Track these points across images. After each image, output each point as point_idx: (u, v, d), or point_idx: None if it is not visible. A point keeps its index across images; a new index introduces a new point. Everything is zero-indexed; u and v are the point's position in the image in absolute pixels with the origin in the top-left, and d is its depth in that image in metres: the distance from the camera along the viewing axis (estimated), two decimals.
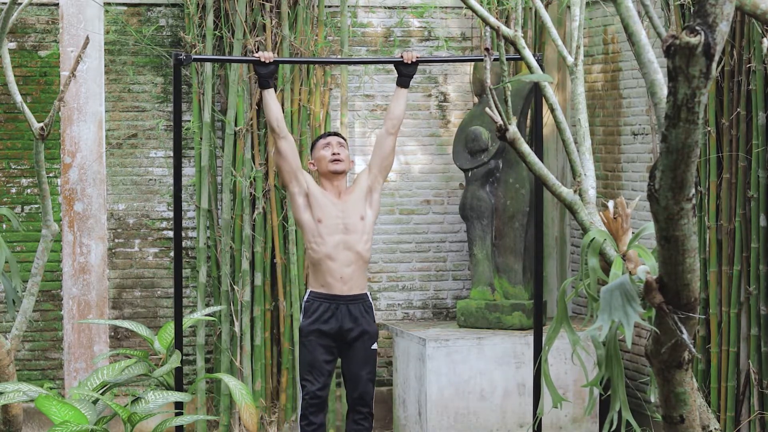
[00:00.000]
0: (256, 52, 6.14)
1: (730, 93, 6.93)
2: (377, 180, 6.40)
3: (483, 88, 8.36)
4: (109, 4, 8.25)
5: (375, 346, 6.28)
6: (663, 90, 3.25)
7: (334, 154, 6.28)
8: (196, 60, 6.75)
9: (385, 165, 6.42)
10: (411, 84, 6.56)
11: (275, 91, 6.32)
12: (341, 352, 6.29)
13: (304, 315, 6.26)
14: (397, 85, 6.45)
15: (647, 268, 3.34)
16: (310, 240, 6.23)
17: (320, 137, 6.46)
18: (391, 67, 8.73)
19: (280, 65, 7.98)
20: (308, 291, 6.33)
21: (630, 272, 3.34)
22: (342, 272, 6.19)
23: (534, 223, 6.54)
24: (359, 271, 6.24)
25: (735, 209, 6.93)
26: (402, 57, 6.37)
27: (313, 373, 6.17)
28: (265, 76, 6.18)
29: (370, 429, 6.31)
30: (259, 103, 8.28)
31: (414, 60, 6.32)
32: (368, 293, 6.38)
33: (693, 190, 2.94)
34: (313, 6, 8.36)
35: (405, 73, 6.37)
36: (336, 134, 6.46)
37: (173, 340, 6.15)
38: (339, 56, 8.40)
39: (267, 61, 6.13)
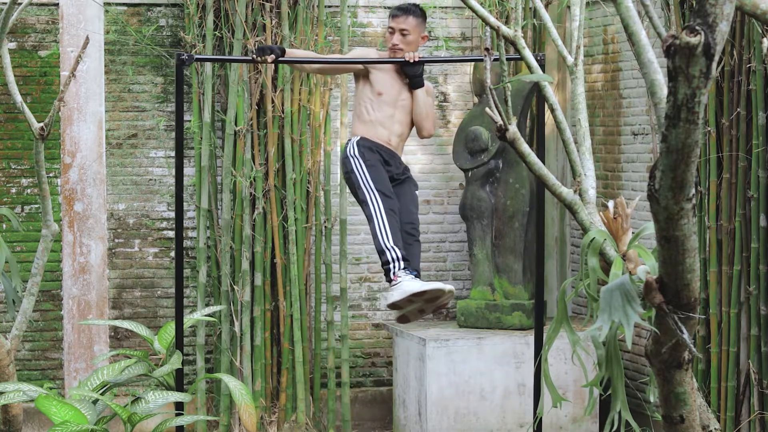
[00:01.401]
0: (255, 54, 6.10)
1: (730, 93, 6.93)
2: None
3: (483, 88, 8.36)
4: (109, 4, 8.25)
5: (417, 192, 6.32)
6: (663, 90, 3.25)
7: (393, 45, 6.28)
8: (198, 60, 6.75)
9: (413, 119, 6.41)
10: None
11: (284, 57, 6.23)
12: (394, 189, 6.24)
13: (360, 147, 6.14)
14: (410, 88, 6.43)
15: (647, 268, 3.34)
16: (365, 102, 6.24)
17: (392, 10, 6.32)
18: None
19: (280, 65, 7.98)
20: (356, 137, 6.23)
21: (630, 272, 3.34)
22: (389, 138, 6.23)
23: (534, 223, 6.54)
24: (402, 144, 6.29)
25: (735, 209, 6.93)
26: (404, 57, 6.35)
27: (388, 190, 6.02)
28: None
29: (420, 250, 6.19)
30: (259, 104, 8.28)
31: (416, 59, 6.31)
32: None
33: (693, 190, 2.94)
34: (313, 6, 8.36)
35: (411, 73, 6.35)
36: (405, 13, 6.25)
37: (173, 340, 6.15)
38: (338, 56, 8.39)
39: (268, 62, 6.12)
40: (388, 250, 5.85)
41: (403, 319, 5.99)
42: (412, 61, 6.31)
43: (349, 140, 6.26)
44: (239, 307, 8.26)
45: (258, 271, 8.24)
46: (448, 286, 5.77)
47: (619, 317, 3.20)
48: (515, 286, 8.25)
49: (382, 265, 5.89)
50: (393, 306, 5.77)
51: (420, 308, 5.86)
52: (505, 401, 7.92)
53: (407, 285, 5.73)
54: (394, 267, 5.81)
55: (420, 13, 6.31)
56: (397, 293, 5.74)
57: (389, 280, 5.86)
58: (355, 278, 8.75)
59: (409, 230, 6.14)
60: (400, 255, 5.82)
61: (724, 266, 6.99)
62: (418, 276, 5.89)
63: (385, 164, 6.18)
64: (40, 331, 8.34)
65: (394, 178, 6.22)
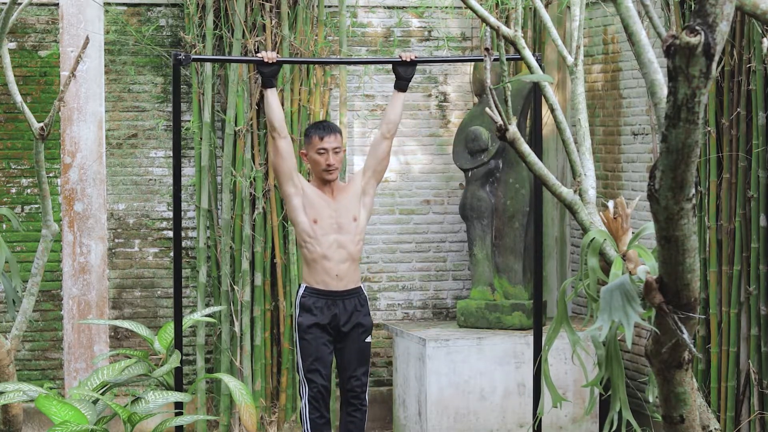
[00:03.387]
0: (258, 53, 6.13)
1: (730, 93, 6.93)
2: (370, 183, 6.44)
3: (483, 88, 8.36)
4: (109, 4, 8.25)
5: (369, 339, 6.34)
6: (663, 90, 3.25)
7: (329, 165, 6.31)
8: (195, 60, 6.75)
9: (380, 168, 6.47)
10: (411, 84, 6.57)
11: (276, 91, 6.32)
12: (335, 344, 6.34)
13: (301, 310, 6.30)
14: (395, 88, 6.45)
15: (647, 268, 3.34)
16: (305, 240, 6.29)
17: (316, 130, 6.40)
18: (391, 66, 8.73)
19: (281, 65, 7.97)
20: (303, 286, 6.36)
21: (630, 272, 3.34)
22: (338, 269, 6.26)
23: (534, 223, 6.54)
24: (353, 267, 6.34)
25: (735, 209, 6.93)
26: (400, 57, 6.37)
27: (319, 367, 6.21)
28: (268, 75, 6.20)
29: (363, 421, 6.32)
30: (259, 103, 8.28)
31: (413, 59, 6.33)
32: (362, 287, 6.42)
33: (693, 190, 2.94)
34: (312, 6, 8.36)
35: (403, 75, 6.37)
36: (333, 132, 6.41)
37: (173, 340, 6.15)
38: (338, 56, 8.40)
39: (270, 62, 6.14)
40: None
41: None
42: (408, 59, 6.31)
43: (299, 286, 6.37)
44: (239, 307, 8.26)
45: (258, 271, 8.24)
46: None
47: (619, 317, 3.20)
48: (515, 286, 8.25)
49: None
50: None
51: None
52: (505, 401, 7.92)
53: None
54: None
55: (338, 127, 6.52)
56: None
57: None
58: None
59: (350, 398, 6.24)
60: None
61: (724, 266, 6.99)
62: None
63: (323, 318, 6.21)
64: (40, 331, 8.34)
65: (340, 330, 6.25)
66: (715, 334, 7.03)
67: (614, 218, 3.53)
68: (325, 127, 6.43)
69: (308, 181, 6.48)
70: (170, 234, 8.36)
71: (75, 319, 7.92)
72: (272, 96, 6.24)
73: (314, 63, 8.27)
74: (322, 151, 6.33)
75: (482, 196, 8.26)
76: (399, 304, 8.82)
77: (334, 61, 8.44)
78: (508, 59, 4.10)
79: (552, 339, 3.73)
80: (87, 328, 7.94)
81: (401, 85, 6.40)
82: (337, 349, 6.35)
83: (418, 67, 6.47)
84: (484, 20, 3.97)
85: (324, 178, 6.36)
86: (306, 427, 6.23)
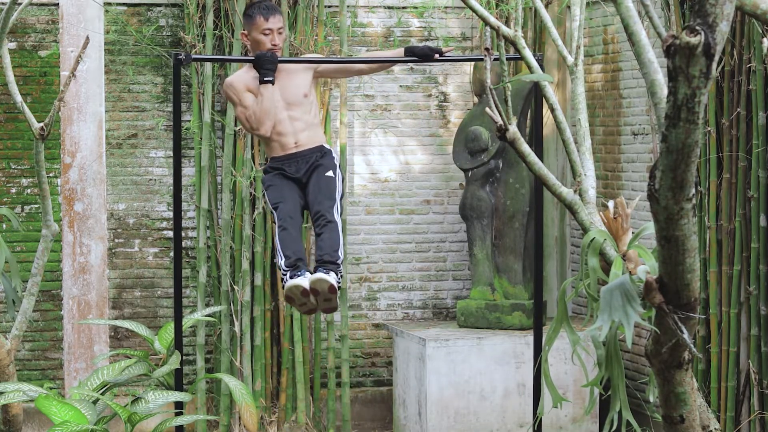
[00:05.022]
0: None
1: (730, 93, 6.93)
2: (317, 79, 6.35)
3: (483, 88, 8.36)
4: (109, 4, 8.25)
5: (331, 173, 6.17)
6: (663, 90, 3.25)
7: (274, 44, 6.19)
8: (195, 60, 6.74)
9: (332, 77, 6.41)
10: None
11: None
12: (302, 191, 6.21)
13: (265, 173, 6.21)
14: (405, 49, 6.27)
15: (647, 268, 3.34)
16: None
17: (259, 10, 6.16)
18: (392, 67, 8.73)
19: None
20: (269, 159, 6.29)
21: (630, 272, 3.34)
22: (296, 138, 6.16)
23: (534, 223, 6.54)
24: (311, 132, 6.19)
25: (735, 209, 6.93)
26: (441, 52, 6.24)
27: (286, 197, 6.07)
28: (268, 70, 6.12)
29: (335, 233, 6.07)
30: None
31: (435, 57, 6.22)
32: (325, 144, 6.27)
33: (693, 190, 2.94)
34: (313, 6, 8.36)
35: (421, 55, 6.21)
36: (277, 12, 6.19)
37: (173, 340, 6.15)
38: (342, 56, 8.39)
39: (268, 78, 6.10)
40: (280, 269, 5.99)
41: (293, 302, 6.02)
42: (438, 56, 6.21)
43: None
44: (239, 307, 8.26)
45: (258, 271, 8.24)
46: (325, 277, 5.76)
47: (619, 317, 3.20)
48: (515, 286, 8.25)
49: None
50: (286, 299, 5.90)
51: (310, 308, 5.90)
52: (505, 401, 7.92)
53: (287, 282, 5.84)
54: (284, 282, 5.92)
55: (279, 8, 6.32)
56: (285, 287, 5.85)
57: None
58: (355, 278, 8.75)
59: (317, 220, 6.12)
60: (285, 267, 5.93)
61: (724, 266, 6.99)
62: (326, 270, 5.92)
63: (286, 174, 6.16)
64: (40, 331, 8.34)
65: (301, 180, 6.20)
66: (715, 334, 7.03)
67: (614, 218, 3.54)
68: (269, 7, 6.21)
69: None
70: (170, 234, 8.36)
71: (75, 319, 7.92)
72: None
73: (321, 63, 8.24)
74: (267, 31, 6.19)
75: (482, 196, 8.26)
76: (399, 304, 8.82)
77: (338, 60, 8.43)
78: (508, 59, 4.10)
79: (552, 339, 3.73)
80: (87, 328, 7.94)
81: (410, 54, 6.23)
82: (304, 195, 6.21)
83: (418, 66, 6.42)
84: (484, 20, 3.97)
85: None
86: (277, 248, 6.01)
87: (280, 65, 6.15)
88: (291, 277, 5.82)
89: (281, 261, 5.96)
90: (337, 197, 6.13)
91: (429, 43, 8.78)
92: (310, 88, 6.25)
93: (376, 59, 6.40)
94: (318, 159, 6.16)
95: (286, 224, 6.00)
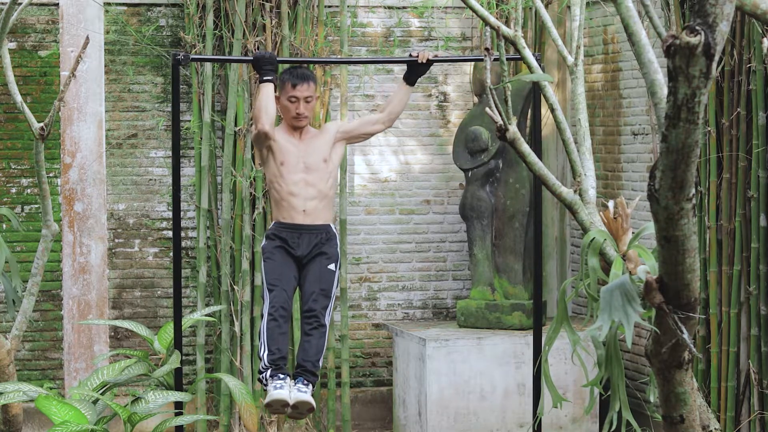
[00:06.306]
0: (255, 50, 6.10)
1: (730, 93, 6.93)
2: (342, 142, 6.38)
3: (483, 88, 8.36)
4: (109, 4, 8.25)
5: (332, 266, 6.23)
6: (663, 90, 3.25)
7: (298, 113, 6.25)
8: (194, 60, 6.75)
9: (357, 140, 6.48)
10: None
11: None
12: (300, 272, 6.25)
13: (267, 239, 6.25)
14: (404, 80, 6.36)
15: (647, 268, 3.34)
16: (272, 180, 6.23)
17: (290, 77, 6.24)
18: (392, 66, 8.74)
19: (280, 64, 7.97)
20: (273, 222, 6.33)
21: (630, 272, 3.34)
22: (305, 206, 6.20)
23: (534, 223, 6.53)
24: (322, 205, 6.24)
25: (735, 209, 6.93)
26: (417, 56, 6.30)
27: (282, 281, 6.10)
28: (269, 69, 6.14)
29: (321, 341, 6.15)
30: (256, 102, 8.26)
31: (428, 59, 6.27)
32: (332, 225, 6.32)
33: (693, 190, 2.94)
34: (313, 6, 8.36)
35: (415, 71, 6.30)
36: (306, 80, 6.24)
37: (173, 340, 6.15)
38: (342, 56, 8.40)
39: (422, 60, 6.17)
40: (261, 359, 6.04)
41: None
42: (423, 60, 6.26)
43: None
44: (239, 307, 8.26)
45: (258, 271, 8.24)
46: (308, 400, 5.90)
47: (619, 317, 3.20)
48: (515, 286, 8.25)
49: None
50: (266, 405, 5.98)
51: (289, 414, 6.00)
52: (505, 401, 7.92)
53: (271, 392, 5.91)
54: (263, 375, 5.99)
55: (313, 74, 6.36)
56: (267, 397, 5.93)
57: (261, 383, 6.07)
58: (355, 278, 8.75)
59: (306, 319, 6.17)
60: (267, 363, 6.00)
61: (724, 266, 6.99)
62: (307, 379, 6.04)
63: (289, 248, 6.19)
64: (40, 331, 8.34)
65: (301, 260, 6.22)
66: (715, 334, 7.03)
67: (614, 218, 3.54)
68: (299, 75, 6.29)
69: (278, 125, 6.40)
70: (170, 234, 8.36)
71: (75, 319, 7.92)
72: (270, 92, 6.19)
73: (327, 63, 8.26)
74: (293, 99, 6.25)
75: (482, 196, 8.26)
76: (399, 304, 8.82)
77: (344, 60, 8.44)
78: (508, 59, 4.10)
79: (552, 339, 3.73)
80: (87, 328, 7.94)
81: (411, 79, 6.34)
82: (300, 278, 6.26)
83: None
84: (484, 20, 3.97)
85: (292, 125, 6.31)
86: (262, 338, 6.04)
87: (308, 129, 6.24)
88: (272, 377, 5.92)
89: (264, 353, 6.03)
90: (333, 296, 6.23)
91: (428, 43, 8.78)
92: (331, 153, 6.29)
93: (388, 105, 6.42)
94: (323, 242, 6.20)
95: (277, 316, 6.07)
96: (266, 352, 6.01)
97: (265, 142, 6.18)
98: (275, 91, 6.14)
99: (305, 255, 6.17)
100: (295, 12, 8.29)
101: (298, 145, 6.23)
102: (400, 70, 8.70)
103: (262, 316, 6.15)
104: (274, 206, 6.31)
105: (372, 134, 6.46)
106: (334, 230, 6.30)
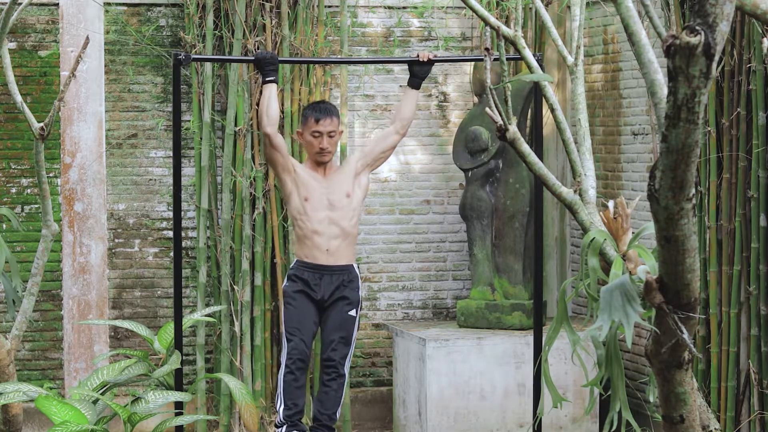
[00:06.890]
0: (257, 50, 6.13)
1: (730, 93, 6.93)
2: (366, 170, 6.40)
3: (483, 88, 8.36)
4: (109, 4, 8.25)
5: (353, 312, 6.26)
6: (663, 90, 3.25)
7: (322, 148, 6.27)
8: (195, 60, 6.75)
9: (380, 159, 6.48)
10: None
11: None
12: (320, 316, 6.29)
13: (288, 280, 6.28)
14: (408, 85, 6.42)
15: (647, 268, 3.34)
16: (296, 217, 6.26)
17: (313, 112, 6.31)
18: (392, 66, 8.74)
19: (280, 64, 7.98)
20: (295, 261, 6.36)
21: (630, 272, 3.34)
22: (328, 245, 6.23)
23: (534, 223, 6.54)
24: (345, 244, 6.28)
25: (735, 209, 6.93)
26: (417, 56, 6.34)
27: (301, 329, 6.16)
28: (270, 69, 6.15)
29: (339, 392, 6.23)
30: (259, 103, 8.27)
31: (430, 58, 6.30)
32: (354, 265, 6.36)
33: (693, 190, 2.94)
34: (313, 6, 8.36)
35: (418, 74, 6.34)
36: (329, 115, 6.31)
37: (173, 340, 6.15)
38: (342, 56, 8.39)
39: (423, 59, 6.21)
40: (277, 412, 6.13)
41: None
42: (425, 59, 6.28)
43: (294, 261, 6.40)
44: (239, 307, 8.26)
45: (258, 271, 8.24)
46: None
47: (619, 317, 3.20)
48: (515, 286, 8.25)
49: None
50: None
51: None
52: (505, 401, 7.92)
53: None
54: (280, 431, 6.10)
55: (336, 109, 6.37)
56: None
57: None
58: None
59: (326, 367, 6.21)
60: (283, 419, 6.11)
61: (724, 266, 6.99)
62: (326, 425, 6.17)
63: (311, 291, 6.21)
64: (40, 331, 8.34)
65: (322, 304, 6.24)
66: (715, 334, 7.03)
67: (614, 218, 3.54)
68: (323, 110, 6.34)
69: (301, 162, 6.47)
70: (170, 234, 8.36)
71: (75, 319, 7.92)
72: (273, 92, 6.21)
73: (329, 63, 8.27)
74: (316, 134, 6.29)
75: (482, 196, 8.26)
76: (399, 304, 8.82)
77: (346, 60, 8.44)
78: (508, 59, 4.10)
79: (552, 339, 3.73)
80: (87, 328, 7.94)
81: (415, 83, 6.37)
82: (321, 322, 6.31)
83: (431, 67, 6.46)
84: (484, 20, 3.97)
85: (317, 161, 6.33)
86: (279, 390, 6.12)
87: (332, 165, 6.29)
88: None
89: (281, 407, 6.10)
90: (353, 341, 6.31)
91: (428, 43, 8.78)
92: (354, 186, 6.31)
93: (397, 113, 6.45)
94: (344, 285, 6.24)
95: (294, 369, 6.13)
96: (283, 407, 6.09)
97: (270, 149, 6.20)
98: (276, 91, 6.16)
99: (326, 299, 6.22)
100: (295, 12, 8.29)
101: (322, 182, 6.27)
102: (400, 70, 8.70)
103: (279, 365, 6.23)
104: (297, 243, 6.34)
105: (391, 148, 6.47)
106: (357, 270, 6.34)
